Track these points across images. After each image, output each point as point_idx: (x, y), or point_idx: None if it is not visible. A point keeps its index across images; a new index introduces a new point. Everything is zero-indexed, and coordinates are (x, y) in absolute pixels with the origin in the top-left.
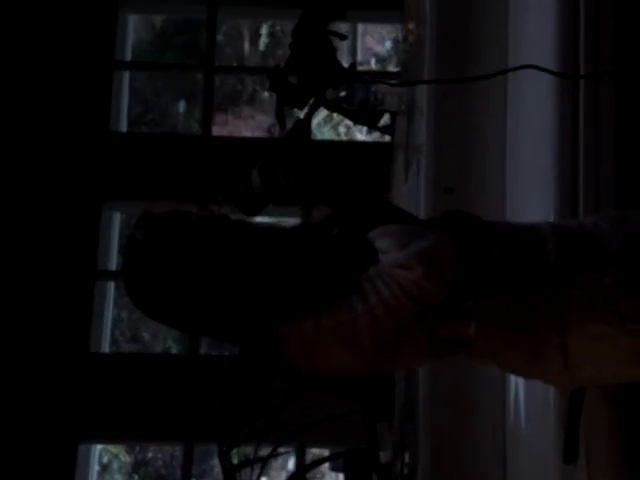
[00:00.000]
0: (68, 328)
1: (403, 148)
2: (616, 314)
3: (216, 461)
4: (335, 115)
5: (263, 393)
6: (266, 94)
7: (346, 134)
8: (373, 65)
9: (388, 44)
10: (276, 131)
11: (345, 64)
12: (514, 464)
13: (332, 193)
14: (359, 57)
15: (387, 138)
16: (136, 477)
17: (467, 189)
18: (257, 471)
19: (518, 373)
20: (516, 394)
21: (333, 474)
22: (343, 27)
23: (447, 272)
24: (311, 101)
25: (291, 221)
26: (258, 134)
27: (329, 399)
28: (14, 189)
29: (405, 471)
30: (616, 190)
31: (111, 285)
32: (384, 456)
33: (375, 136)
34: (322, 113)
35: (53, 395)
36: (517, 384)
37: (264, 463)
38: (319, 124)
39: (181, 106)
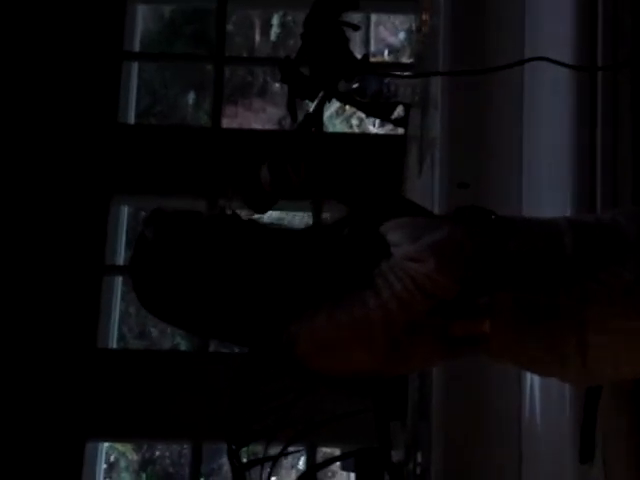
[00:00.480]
0: (75, 323)
1: (417, 141)
2: (636, 308)
3: (225, 460)
4: (347, 107)
5: (273, 391)
6: (277, 86)
7: (358, 127)
8: (386, 56)
9: (402, 35)
10: (287, 123)
11: (358, 55)
12: (530, 463)
13: (343, 187)
14: (372, 48)
15: (400, 131)
16: (144, 476)
17: (482, 184)
18: (267, 470)
19: (534, 371)
20: (532, 392)
21: (344, 474)
22: (356, 17)
23: (460, 265)
24: (321, 93)
25: (301, 215)
26: (268, 126)
27: (340, 397)
28: (20, 183)
29: (417, 471)
30: (634, 185)
31: (119, 280)
32: (396, 455)
33: (388, 129)
34: (334, 105)
35: (59, 392)
36: (533, 382)
37: (274, 462)
38: (331, 116)
39: (190, 98)
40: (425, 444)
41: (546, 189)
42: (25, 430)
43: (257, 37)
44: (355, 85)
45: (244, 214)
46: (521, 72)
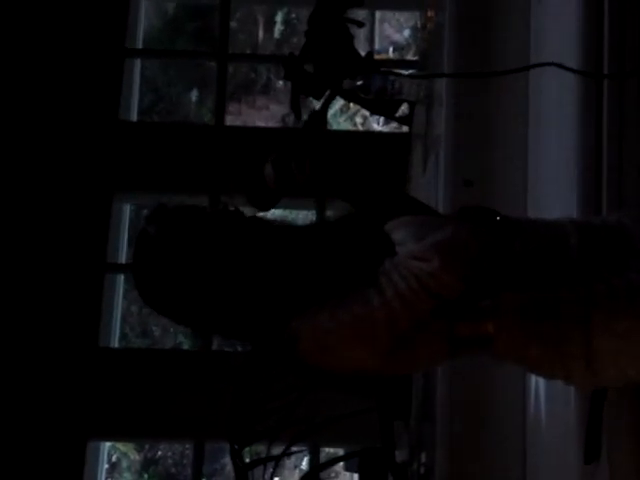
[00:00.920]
0: (76, 322)
1: (422, 139)
2: None
3: (228, 460)
4: (352, 105)
5: (276, 390)
6: (281, 83)
7: (363, 124)
8: (391, 54)
9: (407, 32)
10: (290, 121)
11: (362, 52)
12: (534, 464)
13: (347, 185)
14: (377, 45)
15: (405, 128)
16: (146, 476)
17: (487, 182)
18: (270, 470)
19: (539, 373)
20: (536, 392)
21: (347, 474)
22: (361, 14)
23: (464, 264)
24: (328, 92)
25: (305, 213)
26: (272, 124)
27: (343, 397)
28: (21, 180)
29: (421, 471)
30: None
31: (121, 278)
32: (400, 455)
33: (392, 126)
34: (338, 103)
35: (61, 391)
36: (537, 382)
37: (277, 462)
38: (335, 114)
39: (193, 95)
40: (429, 444)
41: (552, 191)
42: (26, 429)
43: (261, 34)
44: (359, 82)
45: (248, 212)
46: (526, 72)
